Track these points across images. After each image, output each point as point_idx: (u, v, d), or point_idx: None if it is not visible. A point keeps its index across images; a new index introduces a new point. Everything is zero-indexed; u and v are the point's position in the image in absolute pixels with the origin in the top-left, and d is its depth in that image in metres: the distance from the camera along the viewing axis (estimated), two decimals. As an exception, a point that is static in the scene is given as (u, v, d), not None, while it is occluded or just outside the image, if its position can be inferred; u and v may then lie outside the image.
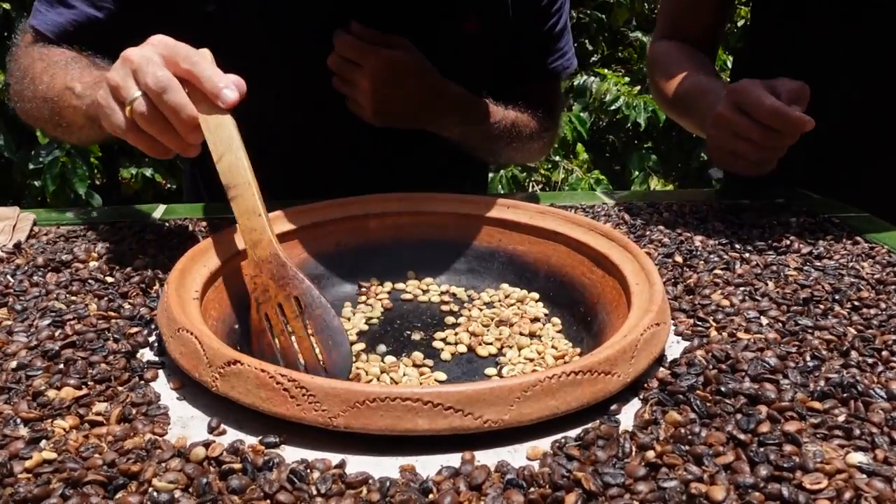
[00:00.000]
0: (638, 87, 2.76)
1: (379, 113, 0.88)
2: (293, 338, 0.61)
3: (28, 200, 2.31)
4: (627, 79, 2.84)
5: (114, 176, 2.57)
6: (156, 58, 0.65)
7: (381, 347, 0.67)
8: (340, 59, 0.86)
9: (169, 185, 2.62)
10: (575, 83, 2.75)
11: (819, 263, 0.78)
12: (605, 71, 2.81)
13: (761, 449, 0.46)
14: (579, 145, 2.82)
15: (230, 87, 0.64)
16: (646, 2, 3.08)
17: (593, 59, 3.11)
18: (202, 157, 1.07)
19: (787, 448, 0.46)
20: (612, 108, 2.65)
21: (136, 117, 0.65)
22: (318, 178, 0.94)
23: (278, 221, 0.75)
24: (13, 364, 0.57)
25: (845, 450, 0.47)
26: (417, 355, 0.64)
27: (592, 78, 2.75)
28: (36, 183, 2.23)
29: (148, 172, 2.42)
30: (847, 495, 0.42)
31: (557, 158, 2.76)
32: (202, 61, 0.65)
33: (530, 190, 2.78)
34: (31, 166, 2.19)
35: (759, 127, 0.87)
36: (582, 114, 2.71)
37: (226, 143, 0.65)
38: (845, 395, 0.53)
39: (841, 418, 0.50)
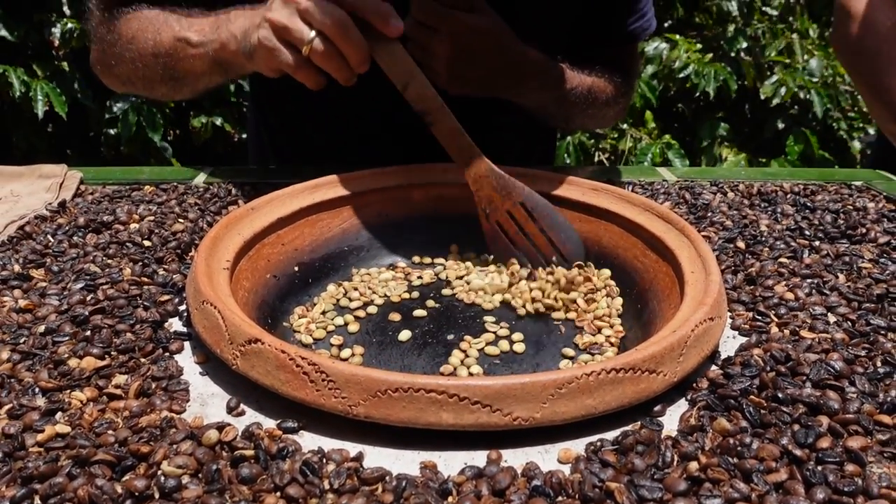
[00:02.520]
0: (710, 55, 2.63)
1: (455, 80, 0.84)
2: (528, 238, 0.69)
3: (104, 149, 2.35)
4: (699, 46, 2.70)
5: (185, 126, 2.59)
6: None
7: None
8: (417, 24, 0.82)
9: (238, 136, 2.63)
10: (645, 49, 2.64)
11: (898, 255, 0.72)
12: (677, 37, 2.69)
13: (819, 467, 0.42)
14: (648, 113, 2.71)
15: (395, 15, 0.66)
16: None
17: (666, 24, 2.97)
18: (270, 117, 1.07)
19: (849, 468, 0.42)
20: (681, 75, 2.53)
21: (314, 57, 0.67)
22: (383, 146, 0.91)
23: (320, 190, 0.73)
24: (41, 328, 0.56)
25: (916, 474, 0.42)
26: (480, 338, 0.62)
27: (664, 44, 2.63)
28: (111, 131, 2.26)
29: (218, 122, 2.42)
30: (915, 528, 0.38)
31: (625, 126, 2.66)
32: None
33: (597, 159, 2.70)
34: (106, 116, 2.23)
35: None
36: (652, 80, 2.60)
37: (407, 71, 0.67)
38: (919, 408, 0.47)
39: (913, 436, 0.45)
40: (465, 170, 0.68)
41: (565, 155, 2.49)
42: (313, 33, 0.66)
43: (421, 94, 0.67)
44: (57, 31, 2.09)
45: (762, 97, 2.51)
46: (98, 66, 0.92)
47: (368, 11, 0.66)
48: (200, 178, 0.93)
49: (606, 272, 0.69)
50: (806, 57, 2.59)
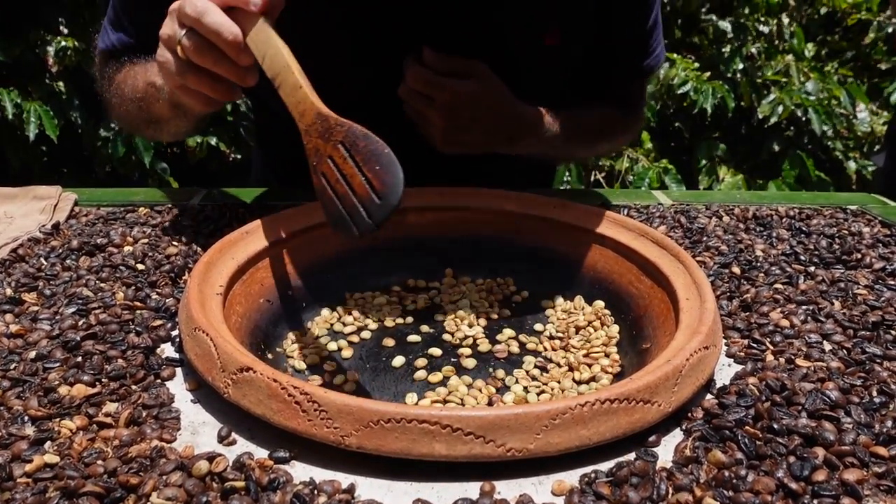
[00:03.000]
0: (708, 73, 2.64)
1: (450, 144, 0.84)
2: (346, 180, 0.58)
3: (98, 169, 2.35)
4: (697, 65, 2.72)
5: (181, 145, 2.59)
6: None
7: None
8: (412, 91, 0.82)
9: (234, 156, 2.63)
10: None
11: (892, 282, 0.72)
12: (675, 56, 2.71)
13: (815, 501, 0.41)
14: (644, 133, 2.72)
15: None
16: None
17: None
18: (273, 145, 1.07)
19: (845, 501, 0.41)
20: (679, 92, 2.55)
21: (188, 53, 0.65)
22: None
23: (314, 213, 0.72)
24: (32, 354, 0.56)
25: (912, 507, 0.42)
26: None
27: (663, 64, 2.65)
28: (105, 150, 2.26)
29: (213, 141, 2.42)
30: (911, 565, 0.37)
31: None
32: None
33: (592, 178, 2.70)
34: (102, 132, 2.23)
35: None
36: (650, 101, 2.61)
37: (265, 43, 0.64)
38: (916, 440, 0.47)
39: (909, 468, 0.45)
40: (300, 124, 0.63)
41: (565, 174, 2.50)
42: (183, 31, 0.64)
43: (272, 61, 0.64)
44: (52, 49, 2.09)
45: (760, 116, 2.52)
46: (108, 111, 0.95)
47: None
48: (195, 200, 0.93)
49: (600, 304, 0.69)
50: (802, 79, 2.61)
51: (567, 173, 2.48)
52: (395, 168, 0.56)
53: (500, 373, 0.61)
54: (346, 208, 0.58)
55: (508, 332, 0.67)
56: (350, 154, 0.58)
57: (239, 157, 2.64)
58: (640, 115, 1.06)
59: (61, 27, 2.16)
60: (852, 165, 2.69)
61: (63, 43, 2.09)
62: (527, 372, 0.61)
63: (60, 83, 2.16)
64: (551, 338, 0.66)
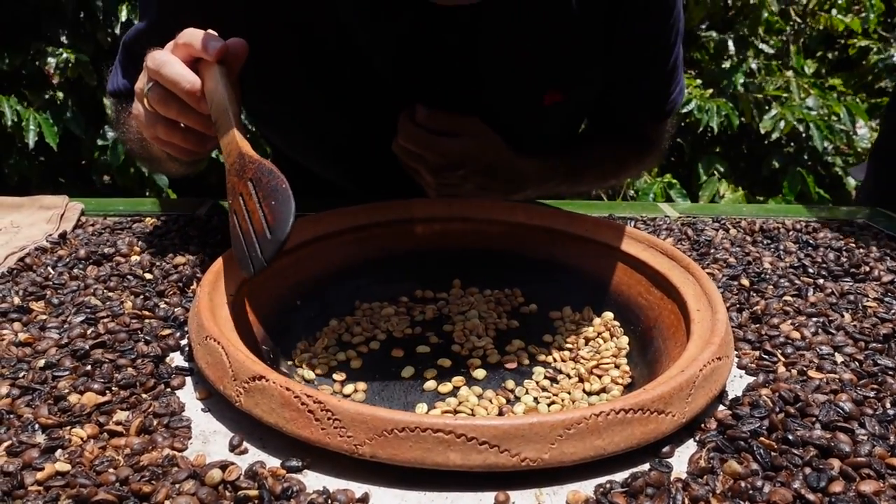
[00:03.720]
0: (710, 91, 2.65)
1: (443, 197, 0.84)
2: (249, 216, 0.59)
3: (96, 177, 2.35)
4: (699, 81, 2.73)
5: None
6: (161, 50, 0.66)
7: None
8: (403, 147, 0.82)
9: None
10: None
11: (902, 294, 0.72)
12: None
13: (832, 512, 0.41)
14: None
15: (213, 38, 0.65)
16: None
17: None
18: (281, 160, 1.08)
19: (863, 513, 0.41)
20: (684, 110, 2.55)
21: (153, 105, 0.66)
22: (390, 183, 0.90)
23: (322, 223, 0.72)
24: (41, 363, 0.55)
25: (930, 519, 0.41)
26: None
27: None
28: (104, 158, 2.26)
29: (213, 153, 2.42)
30: (932, 577, 0.37)
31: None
32: (187, 31, 0.66)
33: (594, 194, 2.71)
34: (99, 142, 2.23)
35: None
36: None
37: (212, 89, 0.65)
38: (931, 451, 0.47)
39: (925, 480, 0.45)
40: (226, 164, 0.64)
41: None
42: (151, 83, 0.66)
43: (216, 107, 0.65)
44: (53, 61, 2.09)
45: (762, 132, 2.53)
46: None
47: (191, 45, 0.65)
48: (202, 211, 0.93)
49: (609, 315, 0.69)
50: (802, 95, 2.62)
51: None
52: (288, 204, 0.57)
53: (510, 383, 0.60)
54: (247, 246, 0.59)
55: (517, 342, 0.66)
56: (255, 191, 0.59)
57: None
58: (660, 150, 1.03)
59: (62, 38, 2.16)
60: (852, 181, 2.70)
61: (65, 55, 2.09)
62: (537, 383, 0.61)
63: (59, 93, 2.16)
64: (560, 349, 0.66)
